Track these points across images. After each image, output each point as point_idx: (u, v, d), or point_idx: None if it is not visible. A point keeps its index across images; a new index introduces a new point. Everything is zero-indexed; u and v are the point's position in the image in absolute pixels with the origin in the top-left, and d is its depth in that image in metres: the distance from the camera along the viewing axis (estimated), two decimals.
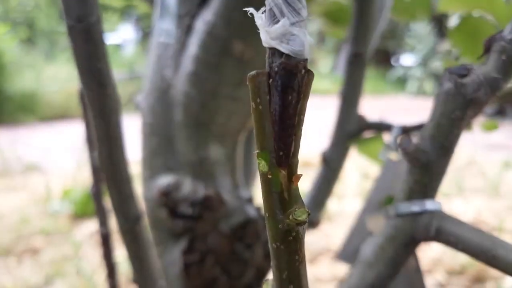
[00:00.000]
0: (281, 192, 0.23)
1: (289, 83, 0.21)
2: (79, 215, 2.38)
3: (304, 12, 0.21)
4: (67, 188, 2.63)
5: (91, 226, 2.25)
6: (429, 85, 9.79)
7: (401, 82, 10.62)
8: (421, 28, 10.12)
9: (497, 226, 2.22)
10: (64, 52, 7.83)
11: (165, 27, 0.74)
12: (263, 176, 0.23)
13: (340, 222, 2.25)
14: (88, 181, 2.62)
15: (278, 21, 0.21)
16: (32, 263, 1.90)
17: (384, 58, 10.96)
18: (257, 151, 0.23)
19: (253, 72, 0.22)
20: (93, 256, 1.94)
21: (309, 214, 0.23)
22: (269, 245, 0.25)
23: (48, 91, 6.21)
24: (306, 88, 0.22)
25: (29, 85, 6.15)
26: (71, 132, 4.95)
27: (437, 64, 9.64)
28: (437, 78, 9.72)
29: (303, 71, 0.21)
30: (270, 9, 0.21)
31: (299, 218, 0.23)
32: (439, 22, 9.29)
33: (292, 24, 0.21)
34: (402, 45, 10.98)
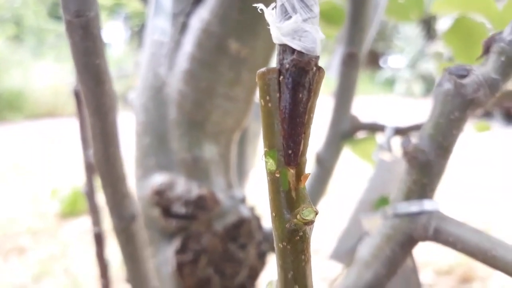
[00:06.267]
0: (289, 191, 0.23)
1: (300, 80, 0.21)
2: (67, 214, 2.36)
3: (316, 9, 0.20)
4: (54, 187, 2.61)
5: (79, 225, 2.23)
6: (417, 87, 9.86)
7: (389, 84, 10.68)
8: (410, 30, 10.19)
9: (482, 226, 2.24)
10: (52, 50, 7.76)
11: (159, 24, 0.73)
12: (271, 175, 0.23)
13: (329, 220, 2.25)
14: (75, 180, 2.60)
15: (290, 17, 0.20)
16: (19, 262, 1.88)
17: (373, 60, 11.02)
18: (265, 149, 0.23)
19: (262, 69, 0.21)
20: (81, 255, 1.93)
21: (317, 214, 0.23)
22: (275, 245, 0.25)
23: (35, 89, 6.15)
24: (317, 86, 0.21)
25: (16, 83, 6.09)
26: (59, 130, 4.91)
27: (426, 66, 9.71)
28: (425, 79, 9.79)
29: (315, 68, 0.21)
30: (282, 5, 0.21)
31: (306, 218, 0.23)
32: (427, 24, 9.36)
33: (305, 20, 0.20)
34: (390, 47, 11.05)
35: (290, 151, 0.22)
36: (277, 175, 0.23)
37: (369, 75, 10.86)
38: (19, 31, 8.25)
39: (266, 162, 0.23)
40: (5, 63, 6.32)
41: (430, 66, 9.36)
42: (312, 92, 0.21)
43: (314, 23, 0.20)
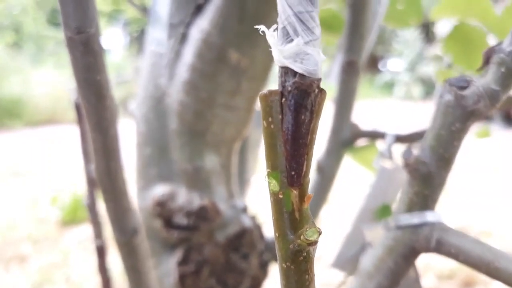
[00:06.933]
0: (292, 212, 0.23)
1: (302, 102, 0.21)
2: (68, 222, 2.36)
3: (318, 31, 0.20)
4: (55, 193, 2.61)
5: (80, 233, 2.22)
6: (416, 90, 9.87)
7: (389, 87, 10.70)
8: (409, 34, 10.22)
9: (483, 232, 2.24)
10: (51, 57, 7.77)
11: (156, 35, 0.73)
12: (274, 195, 0.23)
13: (330, 227, 2.25)
14: (76, 186, 2.60)
15: (291, 40, 0.20)
16: (20, 270, 1.87)
17: (372, 63, 11.03)
18: (268, 170, 0.23)
19: (265, 91, 0.21)
20: (82, 264, 1.92)
21: (320, 234, 0.23)
22: (278, 265, 0.25)
23: (35, 95, 6.15)
24: (319, 107, 0.22)
25: (15, 90, 6.10)
26: (58, 137, 4.91)
27: (425, 69, 9.73)
28: (424, 82, 9.81)
29: (317, 90, 0.21)
30: (283, 28, 0.21)
31: (310, 238, 0.23)
32: (426, 27, 9.38)
33: (306, 43, 0.20)
34: (389, 50, 11.07)
35: (293, 172, 0.22)
36: (280, 196, 0.23)
37: (368, 78, 10.87)
38: (18, 38, 8.26)
39: (269, 183, 0.23)
40: (4, 70, 6.32)
41: (429, 69, 9.38)
42: (314, 113, 0.21)
43: (315, 45, 0.21)
